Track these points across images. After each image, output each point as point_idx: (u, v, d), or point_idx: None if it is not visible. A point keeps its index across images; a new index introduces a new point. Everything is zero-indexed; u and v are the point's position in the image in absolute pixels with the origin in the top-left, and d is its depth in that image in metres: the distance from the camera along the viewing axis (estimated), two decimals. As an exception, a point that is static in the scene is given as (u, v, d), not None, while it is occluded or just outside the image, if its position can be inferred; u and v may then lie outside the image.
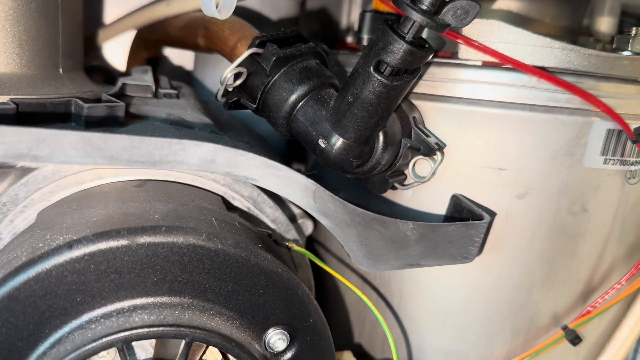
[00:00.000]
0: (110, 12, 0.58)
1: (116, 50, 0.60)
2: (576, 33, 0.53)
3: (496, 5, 0.48)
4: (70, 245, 0.29)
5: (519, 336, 0.44)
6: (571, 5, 0.49)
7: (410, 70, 0.35)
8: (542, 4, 0.48)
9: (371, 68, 0.34)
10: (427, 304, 0.45)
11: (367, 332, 0.48)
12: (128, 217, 0.32)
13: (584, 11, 0.53)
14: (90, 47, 0.54)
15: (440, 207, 0.42)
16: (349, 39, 0.61)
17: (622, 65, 0.40)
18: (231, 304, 0.32)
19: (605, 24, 0.54)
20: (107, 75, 0.64)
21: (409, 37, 0.33)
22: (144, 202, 0.34)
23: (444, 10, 0.32)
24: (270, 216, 0.42)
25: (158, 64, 0.61)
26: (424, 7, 0.32)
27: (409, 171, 0.41)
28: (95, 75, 0.62)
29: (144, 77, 0.42)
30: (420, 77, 0.41)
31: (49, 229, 0.32)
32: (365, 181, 0.42)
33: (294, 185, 0.32)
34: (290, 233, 0.43)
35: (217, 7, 0.31)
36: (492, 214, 0.40)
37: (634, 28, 0.44)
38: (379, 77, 0.34)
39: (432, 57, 0.42)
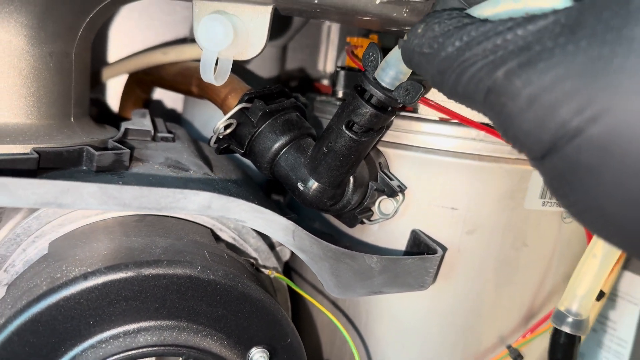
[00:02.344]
0: (113, 54, 0.64)
1: (110, 87, 0.66)
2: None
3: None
4: (85, 277, 0.35)
5: (469, 354, 0.50)
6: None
7: (376, 128, 0.41)
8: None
9: (343, 126, 0.40)
10: (390, 325, 0.51)
11: (337, 348, 0.54)
12: (133, 251, 0.37)
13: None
14: (94, 83, 0.59)
15: (402, 240, 0.49)
16: (325, 82, 0.68)
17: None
18: (220, 327, 0.38)
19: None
20: (102, 106, 0.69)
21: (372, 104, 0.39)
22: (146, 236, 0.40)
23: (396, 88, 0.38)
24: (253, 245, 0.48)
25: (150, 104, 0.66)
26: (384, 85, 0.38)
27: (375, 209, 0.47)
28: (92, 107, 0.68)
29: (144, 122, 0.48)
30: (388, 128, 0.47)
31: (63, 260, 0.38)
32: (338, 217, 0.48)
33: (276, 226, 0.37)
34: (270, 260, 0.49)
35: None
36: (444, 249, 0.46)
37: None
38: (350, 134, 0.40)
39: (401, 112, 0.48)
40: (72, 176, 0.38)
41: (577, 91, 0.21)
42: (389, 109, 0.40)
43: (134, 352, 0.35)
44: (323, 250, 0.39)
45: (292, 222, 0.38)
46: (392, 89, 0.38)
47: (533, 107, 0.23)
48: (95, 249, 0.38)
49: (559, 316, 0.41)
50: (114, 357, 0.34)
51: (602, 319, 0.67)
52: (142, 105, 0.64)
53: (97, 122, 0.49)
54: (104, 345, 0.35)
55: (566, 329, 0.41)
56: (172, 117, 0.68)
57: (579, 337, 0.41)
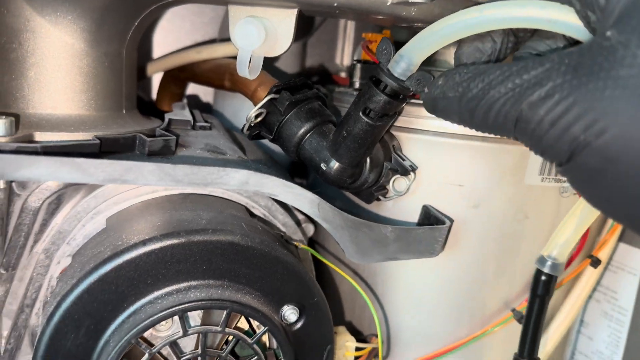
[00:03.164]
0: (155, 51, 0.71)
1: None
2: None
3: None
4: (144, 243, 0.41)
5: (476, 318, 0.56)
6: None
7: (390, 114, 0.47)
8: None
9: (360, 112, 0.46)
10: (404, 292, 0.57)
11: (357, 313, 0.60)
12: (183, 222, 0.43)
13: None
14: (141, 77, 0.66)
15: (414, 215, 0.54)
16: (343, 75, 0.74)
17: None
18: (257, 286, 0.44)
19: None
20: (140, 101, 0.76)
21: (386, 93, 0.45)
22: (192, 210, 0.46)
23: (408, 78, 0.44)
24: (281, 221, 0.54)
25: (183, 99, 0.73)
26: (396, 75, 0.44)
27: (389, 187, 0.53)
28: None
29: (184, 113, 0.54)
30: (399, 115, 0.53)
31: (122, 231, 0.44)
32: (356, 194, 0.54)
33: (304, 199, 0.43)
34: (297, 235, 0.55)
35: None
36: (452, 220, 0.51)
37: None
38: (366, 119, 0.46)
39: (411, 99, 0.54)
40: (129, 159, 0.45)
41: (583, 115, 0.29)
42: (401, 96, 0.46)
43: (186, 305, 0.41)
44: (344, 220, 0.45)
45: (317, 197, 0.44)
46: (404, 79, 0.44)
47: (554, 128, 0.31)
48: (150, 221, 0.44)
49: (542, 260, 0.50)
50: (169, 310, 0.41)
51: (605, 289, 0.72)
52: (177, 99, 0.70)
53: (148, 116, 0.55)
54: (160, 300, 0.41)
55: (546, 270, 0.50)
56: (204, 109, 0.75)
57: (555, 277, 0.50)
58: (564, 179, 0.53)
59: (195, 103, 0.74)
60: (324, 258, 0.53)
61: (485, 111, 0.35)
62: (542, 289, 0.49)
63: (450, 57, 0.61)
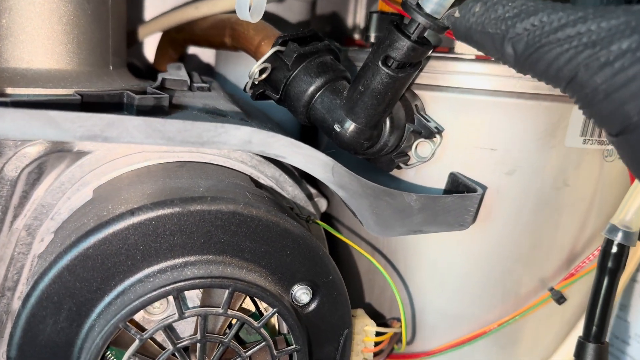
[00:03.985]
0: (148, 12, 0.64)
1: (143, 48, 0.66)
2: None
3: None
4: (132, 212, 0.35)
5: (509, 299, 0.50)
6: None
7: (414, 63, 0.41)
8: None
9: (379, 62, 0.40)
10: (428, 270, 0.51)
11: (376, 295, 0.54)
12: (178, 190, 0.38)
13: None
14: (132, 42, 0.60)
15: (440, 184, 0.48)
16: (356, 36, 0.67)
17: (598, 57, 0.45)
18: (264, 262, 0.38)
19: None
20: (136, 70, 0.70)
21: (414, 36, 0.39)
22: (188, 178, 0.40)
23: (444, 14, 0.38)
24: (291, 194, 0.48)
25: (184, 62, 0.67)
26: (428, 11, 0.38)
27: (412, 152, 0.47)
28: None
29: (180, 73, 0.48)
30: (421, 70, 0.47)
31: (109, 201, 0.39)
32: (374, 161, 0.48)
33: (316, 161, 0.38)
34: (308, 209, 0.49)
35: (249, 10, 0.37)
36: (484, 188, 0.45)
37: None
38: (386, 70, 0.40)
39: (432, 52, 0.48)
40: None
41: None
42: (426, 42, 0.40)
43: (181, 284, 0.35)
44: (362, 187, 0.39)
45: (331, 159, 0.38)
46: (437, 16, 0.38)
47: (608, 100, 0.29)
48: (140, 189, 0.39)
49: (612, 229, 0.43)
50: (162, 289, 0.35)
51: (643, 269, 0.66)
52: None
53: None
54: (151, 278, 0.36)
55: (618, 240, 0.43)
56: (205, 75, 0.69)
57: (628, 248, 0.43)
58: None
59: (195, 68, 0.68)
60: (339, 233, 0.47)
61: (534, 61, 0.32)
62: (614, 262, 0.43)
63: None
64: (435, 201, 0.42)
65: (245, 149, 0.36)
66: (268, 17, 0.62)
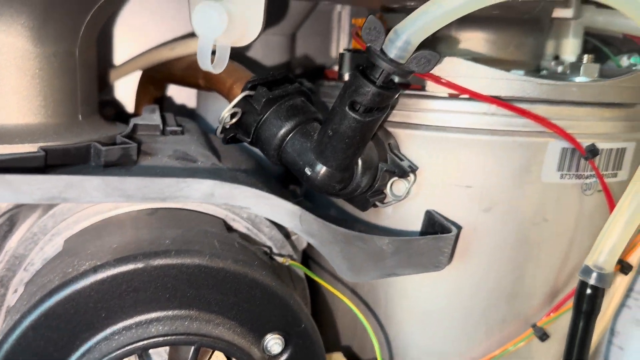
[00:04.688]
0: (119, 55, 0.64)
1: (125, 87, 0.66)
2: (541, 57, 0.58)
3: (466, 37, 0.54)
4: (95, 270, 0.35)
5: (493, 335, 0.49)
6: (532, 33, 0.55)
7: (381, 107, 0.40)
8: (505, 34, 0.53)
9: (346, 107, 0.40)
10: (410, 308, 0.50)
11: (359, 336, 0.53)
12: (142, 242, 0.37)
13: (545, 37, 0.58)
14: (102, 86, 0.60)
15: (417, 222, 0.48)
16: (336, 68, 0.67)
17: (572, 91, 0.45)
18: (233, 314, 0.38)
19: (569, 46, 0.60)
20: (118, 108, 0.70)
21: (379, 82, 0.38)
22: (156, 229, 0.40)
23: (409, 58, 0.38)
24: (267, 234, 0.48)
25: (164, 101, 0.67)
26: (392, 57, 0.38)
27: (387, 191, 0.46)
28: (107, 108, 0.69)
29: (153, 117, 0.48)
30: (393, 108, 0.47)
31: (75, 255, 0.38)
32: (349, 201, 0.48)
33: (282, 211, 0.37)
34: (286, 249, 0.49)
35: (212, 62, 0.37)
36: (459, 227, 0.45)
37: (585, 55, 0.49)
38: (353, 115, 0.39)
39: (406, 90, 0.47)
40: (79, 172, 0.39)
41: None
42: (393, 86, 0.40)
43: (146, 342, 0.35)
44: (332, 233, 0.39)
45: (299, 207, 0.38)
46: (402, 60, 0.38)
47: None
48: (106, 243, 0.38)
49: (586, 270, 0.42)
50: (127, 348, 0.35)
51: (637, 295, 0.65)
52: (157, 102, 0.65)
53: (113, 121, 0.50)
54: (117, 336, 0.35)
55: (592, 282, 0.42)
56: (187, 112, 0.68)
57: (603, 290, 0.42)
58: (587, 174, 0.46)
59: (177, 107, 0.68)
60: (317, 274, 0.47)
61: None
62: (589, 305, 0.42)
63: (445, 44, 0.55)
64: (408, 244, 0.42)
65: (208, 202, 0.35)
66: (245, 54, 0.62)
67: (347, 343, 0.55)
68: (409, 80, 0.48)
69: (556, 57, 0.61)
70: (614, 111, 0.47)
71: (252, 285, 0.37)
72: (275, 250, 0.48)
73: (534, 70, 0.56)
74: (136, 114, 0.64)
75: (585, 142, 0.45)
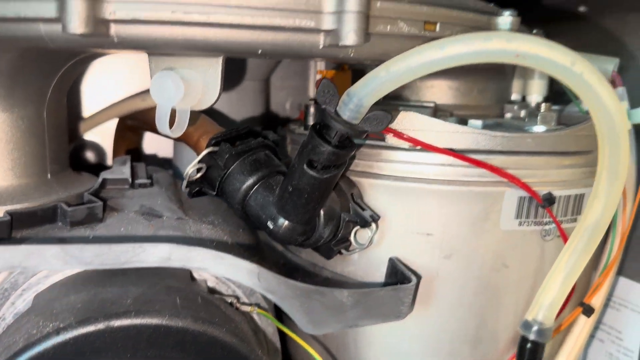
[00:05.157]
0: (88, 107, 0.66)
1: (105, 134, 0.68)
2: (505, 100, 0.60)
3: (431, 85, 0.56)
4: (57, 332, 0.36)
5: (459, 378, 0.50)
6: (494, 79, 0.56)
7: (338, 164, 0.42)
8: (467, 81, 0.55)
9: (304, 165, 0.41)
10: (378, 353, 0.51)
11: (328, 380, 0.54)
12: (105, 302, 0.38)
13: (509, 81, 0.60)
14: (72, 138, 0.62)
15: (383, 268, 0.49)
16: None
17: (526, 142, 0.46)
18: (194, 371, 0.39)
19: (535, 87, 0.62)
20: (98, 150, 0.72)
21: (334, 142, 0.40)
22: (120, 286, 0.41)
23: (363, 119, 0.39)
24: (236, 283, 0.49)
25: (140, 148, 0.68)
26: (346, 119, 0.39)
27: (351, 239, 0.48)
28: (88, 150, 0.70)
29: (122, 169, 0.50)
30: (354, 159, 0.48)
31: (42, 315, 0.39)
32: (315, 250, 0.49)
33: (240, 269, 0.38)
34: (255, 296, 0.50)
35: (171, 127, 0.38)
36: (418, 277, 0.46)
37: (543, 104, 0.51)
38: (311, 172, 0.41)
39: (368, 140, 0.49)
40: (47, 233, 0.40)
41: None
42: (349, 144, 0.41)
43: (107, 403, 0.36)
44: (291, 289, 0.40)
45: (256, 265, 0.39)
46: (355, 121, 0.39)
47: None
48: (71, 301, 0.39)
49: (526, 325, 0.43)
50: (88, 409, 0.36)
51: (608, 329, 0.66)
52: (134, 147, 0.66)
53: (95, 168, 0.51)
54: (79, 396, 0.36)
55: (532, 337, 0.43)
56: (163, 159, 0.70)
57: (543, 345, 0.43)
58: (545, 221, 0.47)
59: (153, 153, 0.70)
60: (288, 323, 0.47)
61: None
62: (529, 359, 0.43)
63: (411, 92, 0.56)
64: (368, 296, 0.43)
65: (165, 265, 0.36)
66: (222, 97, 0.64)
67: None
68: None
69: (523, 98, 0.63)
70: (571, 159, 0.48)
71: (212, 343, 0.38)
72: (244, 298, 0.49)
73: (498, 115, 0.58)
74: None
75: (542, 191, 0.46)
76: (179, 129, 0.39)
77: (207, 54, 0.38)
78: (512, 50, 0.34)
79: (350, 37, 0.34)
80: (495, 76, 0.56)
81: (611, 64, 0.58)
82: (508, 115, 0.57)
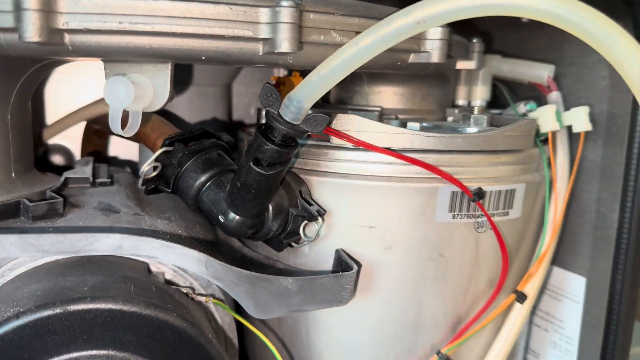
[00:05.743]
0: (56, 112, 0.69)
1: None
2: (448, 105, 0.64)
3: (377, 90, 0.60)
4: (17, 316, 0.39)
5: (402, 362, 0.54)
6: (437, 85, 0.61)
7: (282, 161, 0.45)
8: (411, 87, 0.59)
9: (251, 163, 0.44)
10: (328, 339, 0.55)
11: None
12: (64, 290, 0.42)
13: (452, 87, 0.64)
14: (40, 141, 0.65)
15: (330, 259, 0.52)
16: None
17: (457, 142, 0.50)
18: (146, 353, 0.42)
19: (479, 92, 0.66)
20: (67, 153, 0.75)
21: (277, 141, 0.43)
22: (79, 276, 0.44)
23: (303, 120, 0.43)
24: (193, 275, 0.52)
25: (106, 150, 0.72)
26: (288, 119, 0.43)
27: (301, 233, 0.51)
28: (57, 154, 0.73)
29: (84, 169, 0.53)
30: (299, 157, 0.52)
31: (4, 302, 0.42)
32: (266, 242, 0.52)
33: (189, 258, 0.42)
34: (211, 289, 0.53)
35: (124, 127, 0.41)
36: (359, 265, 0.49)
37: (476, 108, 0.55)
38: (257, 169, 0.44)
39: (315, 141, 0.52)
40: (9, 226, 0.43)
41: None
42: (292, 143, 0.45)
43: (63, 380, 0.39)
44: (238, 276, 0.44)
45: (204, 254, 0.42)
46: (297, 122, 0.43)
47: None
48: (33, 290, 0.43)
49: None
50: (46, 387, 0.39)
51: (552, 318, 0.70)
52: (101, 149, 0.69)
53: (64, 170, 0.54)
54: (38, 376, 0.39)
55: None
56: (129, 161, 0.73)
57: None
58: (478, 214, 0.51)
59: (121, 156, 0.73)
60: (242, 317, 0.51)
61: None
62: None
63: (360, 97, 0.60)
64: (311, 282, 0.46)
65: (117, 254, 0.40)
66: (183, 103, 0.67)
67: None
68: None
69: (469, 103, 0.67)
70: (501, 157, 0.52)
71: (163, 327, 0.42)
72: (200, 290, 0.52)
73: (440, 118, 0.62)
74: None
75: (473, 186, 0.50)
76: (132, 129, 0.43)
77: (155, 60, 0.41)
78: (412, 21, 0.35)
79: (284, 45, 0.38)
80: (437, 83, 0.60)
81: (546, 70, 0.63)
82: (450, 118, 0.62)
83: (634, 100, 0.57)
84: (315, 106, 0.55)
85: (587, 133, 0.61)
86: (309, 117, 0.43)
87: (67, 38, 0.37)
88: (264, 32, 0.38)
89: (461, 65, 0.62)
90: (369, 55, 0.38)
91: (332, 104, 0.66)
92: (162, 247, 0.41)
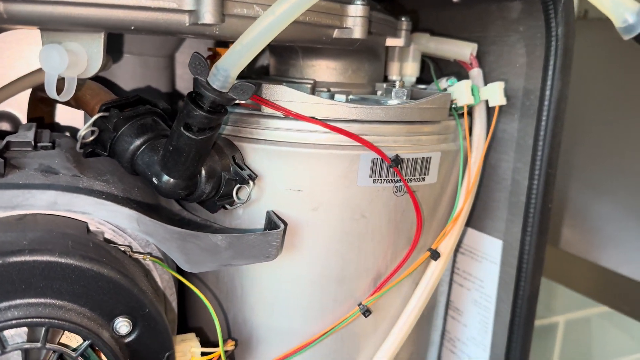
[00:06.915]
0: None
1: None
2: (378, 79, 0.68)
3: (311, 64, 0.64)
4: (-42, 267, 0.42)
5: (327, 314, 0.59)
6: (367, 60, 0.65)
7: (211, 127, 0.49)
8: (343, 61, 0.63)
9: (182, 127, 0.48)
10: (261, 293, 0.59)
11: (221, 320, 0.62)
12: (4, 244, 0.44)
13: (382, 63, 0.68)
14: None
15: (262, 220, 0.57)
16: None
17: (377, 113, 0.54)
18: (82, 302, 0.45)
19: (409, 68, 0.70)
20: (14, 120, 0.76)
21: (205, 107, 0.47)
22: (20, 232, 0.47)
23: (231, 88, 0.46)
24: (132, 235, 0.55)
25: (53, 118, 0.73)
26: (215, 87, 0.46)
27: (234, 195, 0.55)
28: (4, 121, 0.74)
29: (27, 134, 0.55)
30: (234, 124, 0.55)
31: (-53, 256, 0.45)
32: (200, 204, 0.56)
33: (121, 215, 0.45)
34: (150, 248, 0.56)
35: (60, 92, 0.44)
36: (285, 224, 0.53)
37: (397, 81, 0.60)
38: (187, 134, 0.47)
39: (253, 110, 0.56)
40: (-50, 185, 0.46)
41: None
42: (220, 110, 0.48)
43: (2, 324, 0.42)
44: (168, 232, 0.47)
45: (135, 212, 0.46)
46: (224, 90, 0.46)
47: None
48: (-26, 245, 0.45)
49: None
50: (-14, 330, 0.42)
51: (474, 278, 0.77)
52: (48, 118, 0.71)
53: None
54: (-22, 321, 0.43)
55: None
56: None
57: None
58: (396, 179, 0.56)
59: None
60: (172, 268, 0.55)
61: None
62: None
63: (295, 70, 0.64)
64: (240, 239, 0.50)
65: (52, 209, 0.43)
66: (126, 73, 0.70)
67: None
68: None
69: (401, 78, 0.72)
70: (418, 127, 0.57)
71: (98, 277, 0.45)
72: (139, 249, 0.56)
73: (370, 92, 0.66)
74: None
75: (392, 153, 0.55)
76: (67, 94, 0.45)
77: (89, 29, 0.44)
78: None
79: (207, 16, 0.41)
80: (367, 58, 0.64)
81: (469, 48, 0.68)
82: (379, 92, 0.66)
83: (543, 76, 0.62)
84: (254, 79, 0.59)
85: (504, 107, 0.67)
86: (235, 85, 0.46)
87: (2, 6, 0.39)
88: (188, 4, 0.41)
89: (390, 42, 0.66)
90: (286, 22, 0.42)
91: (270, 76, 0.69)
92: (96, 204, 0.44)
